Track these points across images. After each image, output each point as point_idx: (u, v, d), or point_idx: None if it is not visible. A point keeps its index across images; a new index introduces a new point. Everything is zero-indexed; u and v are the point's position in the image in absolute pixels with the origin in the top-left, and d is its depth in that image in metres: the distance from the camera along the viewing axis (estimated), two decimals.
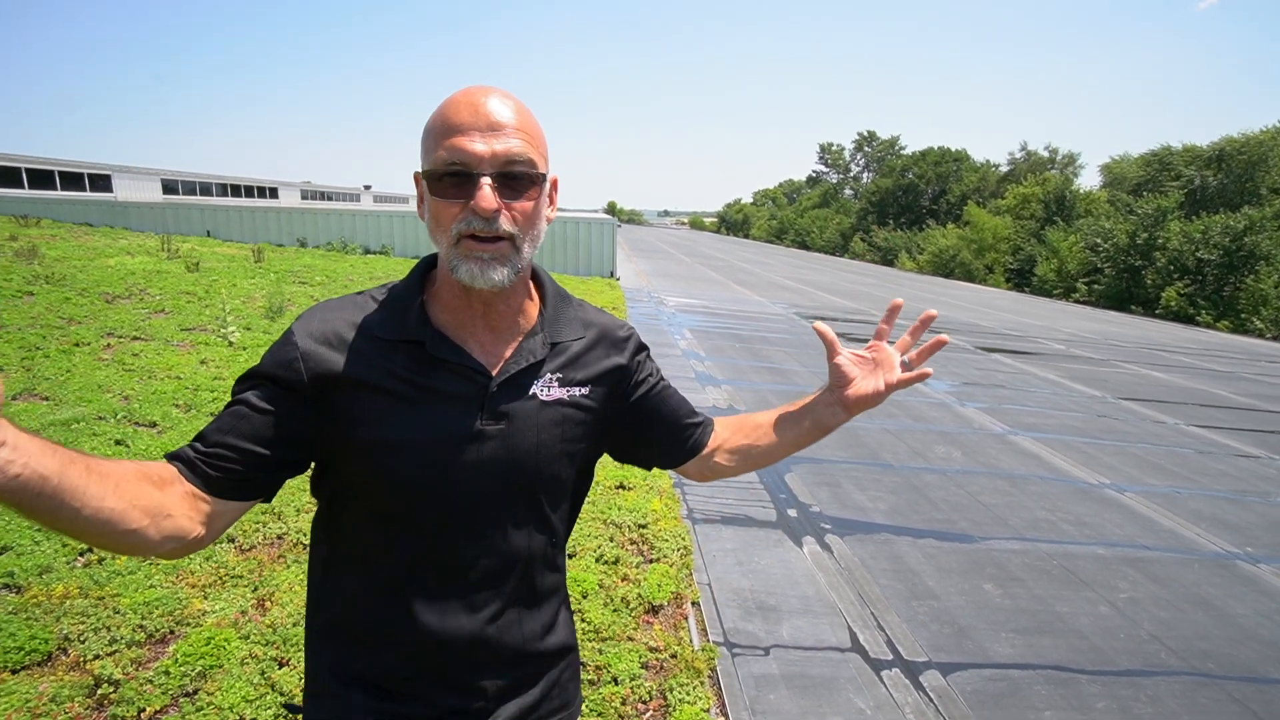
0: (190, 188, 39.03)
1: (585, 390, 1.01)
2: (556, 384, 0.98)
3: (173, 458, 0.85)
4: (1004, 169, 48.18)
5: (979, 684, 2.79)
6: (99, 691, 2.24)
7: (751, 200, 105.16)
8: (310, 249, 18.07)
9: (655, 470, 4.47)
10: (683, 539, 3.64)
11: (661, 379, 1.15)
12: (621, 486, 4.25)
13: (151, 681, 2.29)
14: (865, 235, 51.73)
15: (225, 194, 41.23)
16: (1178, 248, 25.48)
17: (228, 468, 0.85)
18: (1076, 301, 29.00)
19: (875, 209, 53.84)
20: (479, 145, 0.82)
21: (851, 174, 73.70)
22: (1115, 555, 4.08)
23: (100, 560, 2.97)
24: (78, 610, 2.60)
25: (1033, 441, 6.34)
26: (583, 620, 2.85)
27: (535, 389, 0.96)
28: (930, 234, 42.70)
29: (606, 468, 4.50)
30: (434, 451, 0.90)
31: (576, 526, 3.61)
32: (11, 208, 19.46)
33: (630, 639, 2.78)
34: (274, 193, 47.09)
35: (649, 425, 1.12)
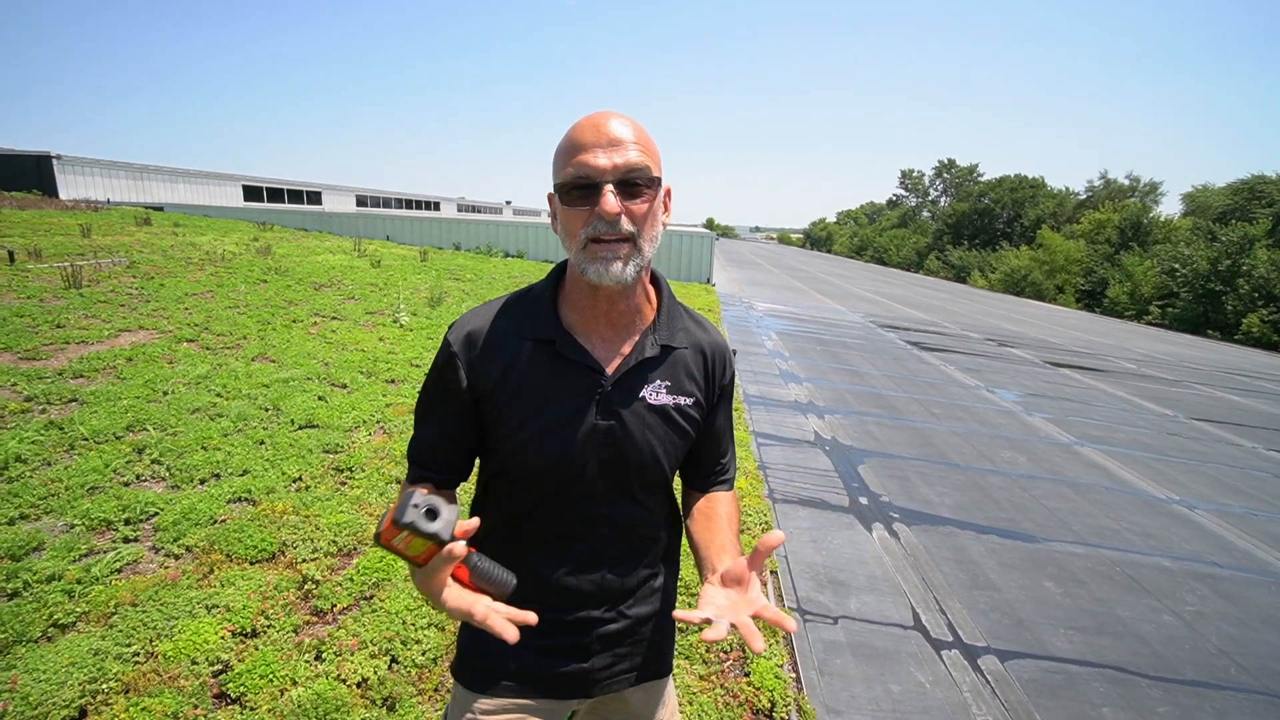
0: (376, 201, 42.30)
1: (689, 400, 0.97)
2: (664, 391, 0.95)
3: (418, 482, 0.97)
4: (1082, 196, 43.50)
5: (1036, 674, 2.55)
6: (305, 586, 2.48)
7: (835, 219, 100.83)
8: (463, 251, 19.09)
9: (741, 453, 4.42)
10: (764, 515, 3.56)
11: (730, 410, 1.07)
12: None
13: (340, 585, 2.51)
14: (940, 254, 48.34)
15: (401, 206, 44.32)
16: (1264, 275, 22.12)
17: (445, 470, 0.98)
18: (1149, 324, 25.86)
19: (951, 230, 50.16)
20: (601, 159, 0.82)
21: (929, 198, 69.01)
22: (1182, 569, 3.61)
23: (306, 487, 3.28)
24: (291, 524, 2.89)
25: (1099, 453, 5.71)
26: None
27: (645, 392, 0.93)
28: (1003, 254, 39.32)
29: None
30: (556, 443, 0.91)
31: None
32: (255, 216, 21.78)
33: None
34: (436, 206, 50.15)
35: (702, 443, 1.04)
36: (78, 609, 2.19)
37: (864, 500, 4.10)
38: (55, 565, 2.40)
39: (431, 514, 0.71)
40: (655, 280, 1.01)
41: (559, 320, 0.93)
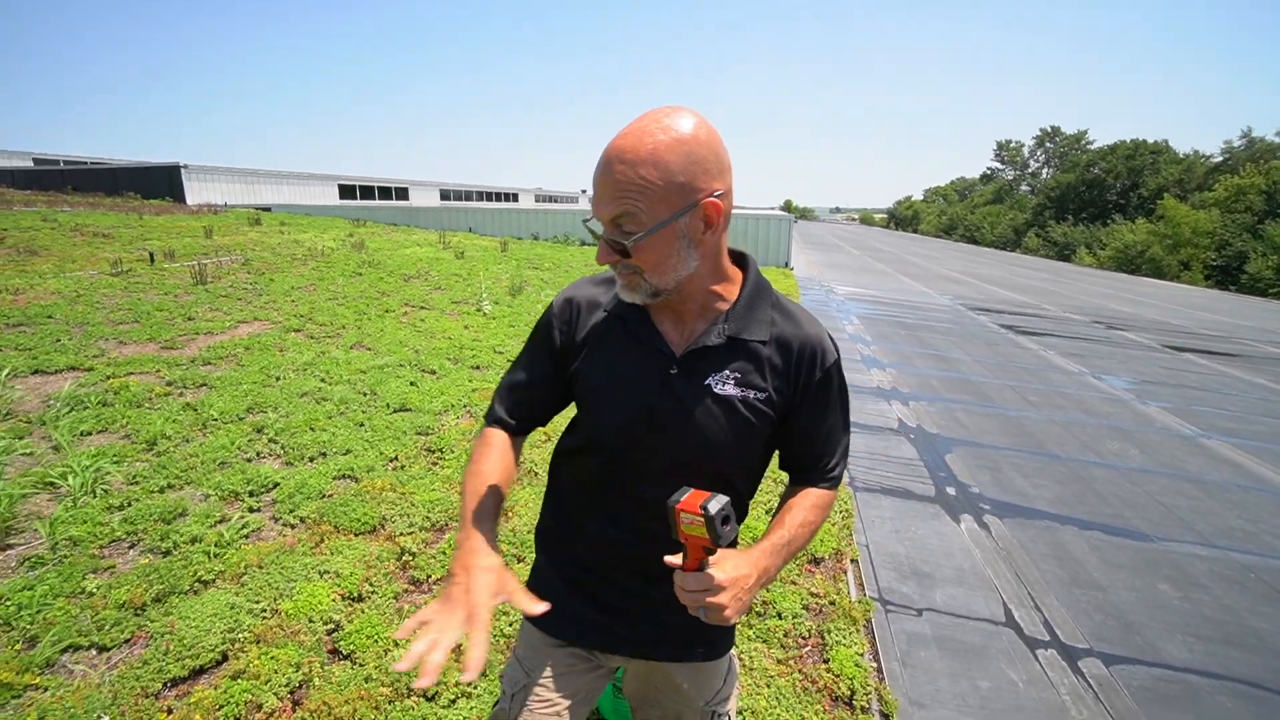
0: (458, 195, 44.11)
1: (759, 395, 0.93)
2: (733, 383, 0.93)
3: (495, 422, 1.06)
4: (1217, 159, 38.54)
5: (1148, 681, 2.36)
6: (403, 558, 2.68)
7: (922, 197, 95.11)
8: (541, 241, 19.60)
9: None
10: (844, 503, 3.48)
11: (837, 408, 1.01)
12: None
13: (434, 557, 2.70)
14: (1040, 230, 44.49)
15: (482, 199, 46.01)
16: None
17: (522, 414, 1.06)
18: None
19: (1054, 204, 46.00)
20: (598, 207, 0.85)
21: (1030, 170, 63.49)
22: None
23: (402, 467, 3.53)
24: (389, 500, 3.12)
25: (1229, 447, 5.13)
26: None
27: (710, 381, 0.93)
28: (1115, 229, 35.66)
29: None
30: (618, 413, 0.96)
31: None
32: (350, 213, 23.32)
33: (794, 583, 2.73)
34: (515, 197, 51.65)
35: (790, 439, 1.01)
36: (216, 568, 2.49)
37: (951, 490, 3.91)
38: (197, 529, 2.73)
39: (727, 520, 0.77)
40: (745, 268, 1.00)
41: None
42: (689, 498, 0.78)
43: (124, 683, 1.91)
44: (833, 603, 2.61)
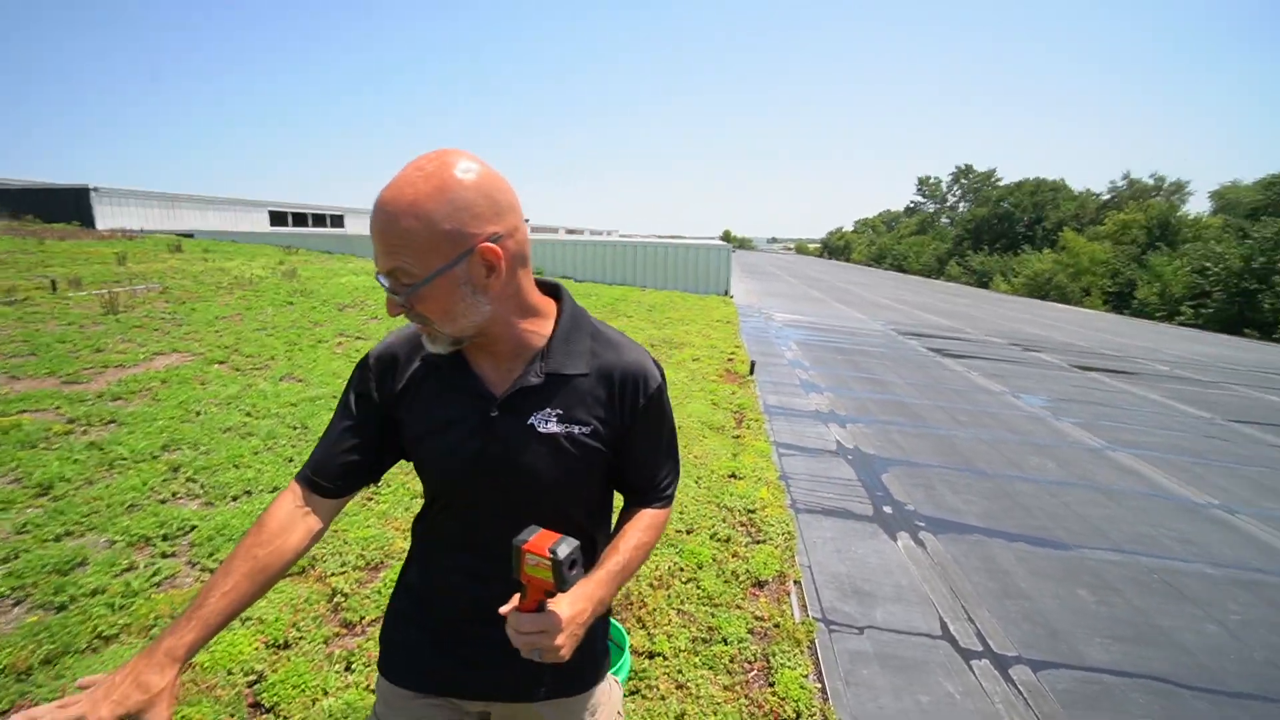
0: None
1: (586, 430, 0.92)
2: (555, 420, 0.91)
3: (302, 479, 0.96)
4: (1105, 197, 42.76)
5: (1071, 684, 2.49)
6: (334, 599, 2.54)
7: (853, 228, 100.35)
8: None
9: (763, 463, 4.41)
10: (787, 525, 3.55)
11: (665, 430, 1.03)
12: (733, 476, 4.21)
13: (368, 597, 2.56)
14: (961, 259, 47.75)
15: None
16: None
17: (332, 473, 0.96)
18: (1182, 324, 25.14)
19: (971, 235, 49.64)
20: (377, 259, 0.83)
21: (948, 204, 68.39)
22: (1225, 576, 3.50)
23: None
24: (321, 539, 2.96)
25: (1132, 458, 5.57)
26: (698, 588, 2.85)
27: (534, 420, 0.91)
28: (1025, 258, 38.70)
29: (721, 458, 4.48)
30: (444, 462, 0.94)
31: (695, 508, 3.63)
32: (281, 241, 22.37)
33: (739, 607, 2.75)
34: None
35: (624, 466, 1.01)
36: (120, 621, 2.28)
37: (888, 509, 4.05)
38: (99, 579, 2.49)
39: (574, 565, 0.75)
40: (559, 299, 0.98)
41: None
42: (537, 538, 0.76)
43: None
44: (777, 625, 2.64)
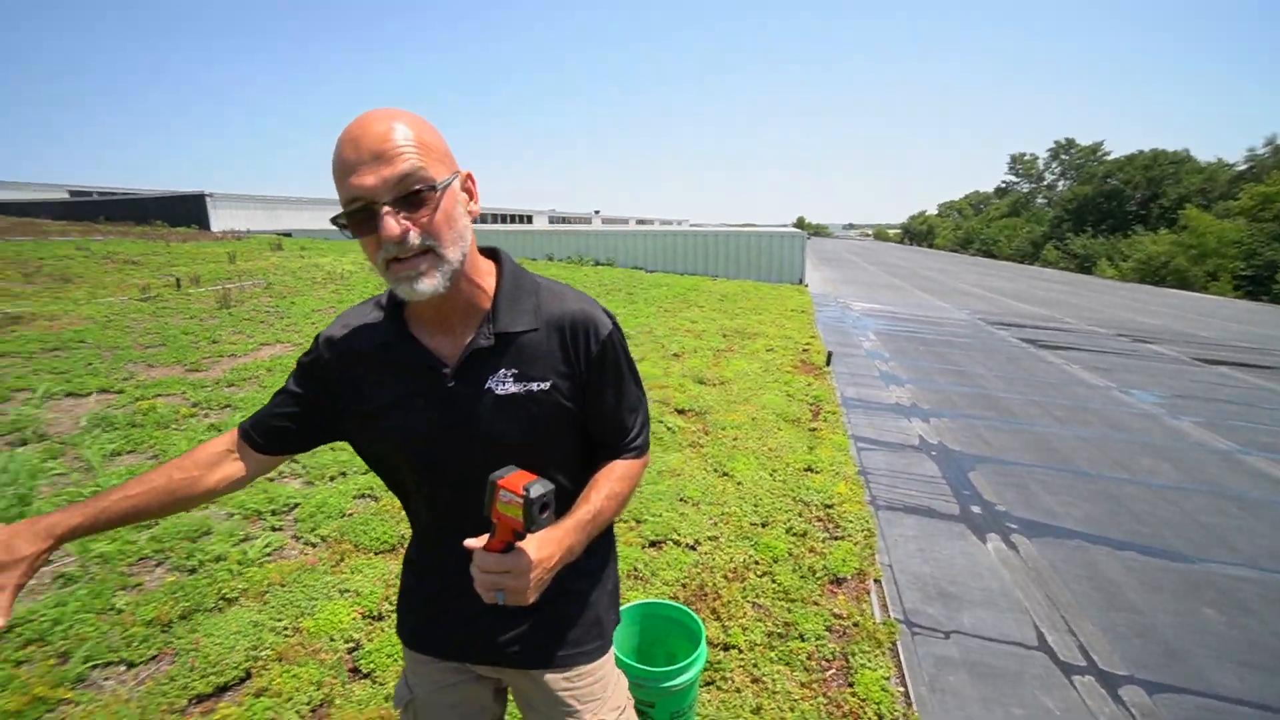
0: (475, 218, 44.88)
1: (545, 385, 0.91)
2: (512, 380, 0.90)
3: (240, 430, 0.99)
4: (1240, 168, 38.00)
5: (1195, 712, 2.27)
6: None
7: (936, 212, 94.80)
8: (556, 261, 19.82)
9: (840, 457, 4.28)
10: (866, 522, 3.42)
11: (626, 377, 1.00)
12: (809, 469, 4.10)
13: None
14: (1059, 243, 43.95)
15: (498, 221, 46.81)
16: None
17: (266, 434, 0.98)
18: None
19: (1071, 216, 45.44)
20: (369, 179, 0.77)
21: (1045, 183, 62.98)
22: None
23: None
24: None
25: (1271, 463, 4.97)
26: (773, 581, 2.81)
27: (491, 383, 0.90)
28: (1136, 240, 35.10)
29: (797, 451, 4.38)
30: (403, 440, 0.92)
31: (770, 501, 3.58)
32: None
33: (816, 604, 2.69)
34: (529, 219, 52.48)
35: (589, 419, 0.99)
36: (240, 586, 2.52)
37: (976, 509, 3.83)
38: (221, 547, 2.77)
39: (545, 508, 0.75)
40: (497, 259, 0.98)
41: (403, 322, 0.94)
42: (513, 476, 0.76)
43: (151, 698, 1.93)
44: (856, 624, 2.56)
